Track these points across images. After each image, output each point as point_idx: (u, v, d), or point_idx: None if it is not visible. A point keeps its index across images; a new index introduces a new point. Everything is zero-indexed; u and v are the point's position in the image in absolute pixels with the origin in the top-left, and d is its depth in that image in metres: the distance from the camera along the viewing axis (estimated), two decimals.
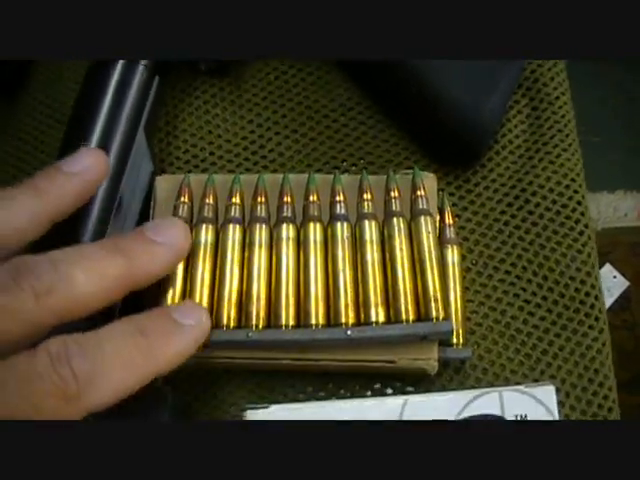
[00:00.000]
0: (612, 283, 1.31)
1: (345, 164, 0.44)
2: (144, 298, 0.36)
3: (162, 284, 0.35)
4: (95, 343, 0.27)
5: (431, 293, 0.34)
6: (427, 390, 0.38)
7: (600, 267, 0.42)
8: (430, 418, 0.32)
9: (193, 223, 0.37)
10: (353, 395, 0.38)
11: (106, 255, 0.30)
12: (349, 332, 0.34)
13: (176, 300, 0.35)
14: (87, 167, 0.33)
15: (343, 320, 0.34)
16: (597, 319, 0.40)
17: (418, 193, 0.37)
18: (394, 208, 0.36)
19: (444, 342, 0.36)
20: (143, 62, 0.40)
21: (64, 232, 0.34)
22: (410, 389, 0.38)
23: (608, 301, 1.29)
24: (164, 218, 0.37)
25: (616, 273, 1.32)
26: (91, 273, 0.29)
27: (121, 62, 0.39)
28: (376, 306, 0.34)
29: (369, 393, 0.38)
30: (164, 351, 0.30)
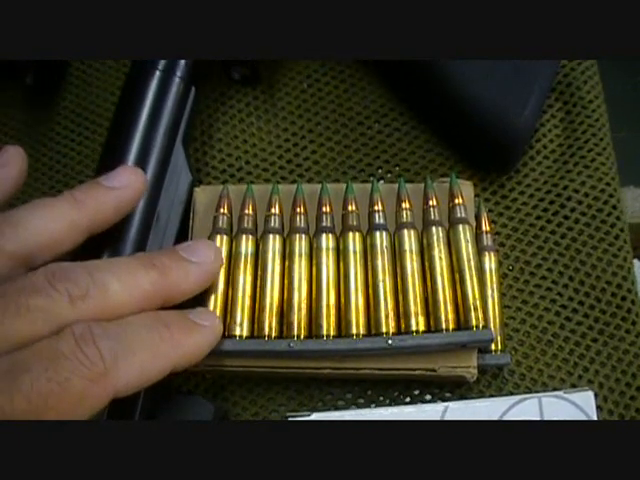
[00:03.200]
0: None
1: (380, 171, 0.44)
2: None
3: (205, 295, 0.36)
4: (119, 328, 0.28)
5: (471, 302, 0.35)
6: (465, 396, 0.38)
7: None
8: None
9: (233, 234, 0.37)
10: (392, 402, 0.39)
11: (141, 268, 0.31)
12: (390, 341, 0.34)
13: (218, 310, 0.36)
14: (126, 184, 0.34)
15: (384, 329, 0.35)
16: (634, 323, 0.40)
17: (456, 201, 0.37)
18: (432, 217, 0.37)
19: (482, 349, 0.36)
20: (179, 74, 0.40)
21: (105, 245, 0.35)
22: (448, 395, 0.39)
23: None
24: (198, 239, 0.37)
25: None
26: (126, 283, 0.29)
27: (157, 74, 0.40)
28: (416, 315, 0.35)
29: (408, 399, 0.39)
30: (185, 342, 0.30)
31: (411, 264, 0.36)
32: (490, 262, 0.38)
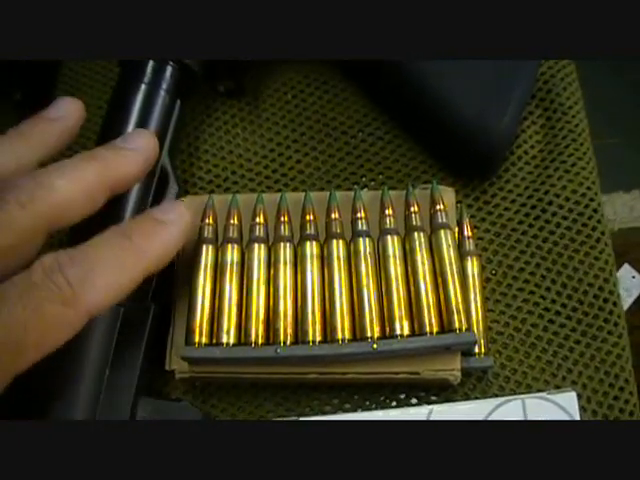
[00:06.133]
0: (631, 283, 1.31)
1: (364, 179, 0.45)
2: (174, 317, 0.38)
3: (190, 305, 0.36)
4: (84, 251, 0.30)
5: (453, 305, 0.35)
6: (450, 399, 0.39)
7: (618, 267, 0.43)
8: None
9: (219, 243, 0.38)
10: (378, 406, 0.39)
11: (82, 162, 0.32)
12: (375, 346, 0.35)
13: (205, 319, 0.36)
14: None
15: (369, 334, 0.35)
16: (616, 324, 0.40)
17: (437, 207, 0.38)
18: (414, 223, 0.37)
19: (466, 352, 0.37)
20: (164, 87, 0.41)
21: None
22: (434, 398, 0.39)
23: (627, 301, 1.29)
24: (133, 130, 0.39)
25: (635, 273, 1.31)
26: (69, 178, 0.31)
27: (143, 88, 0.40)
28: (400, 319, 0.35)
29: (394, 403, 0.39)
30: (150, 247, 0.31)
31: (394, 269, 0.36)
32: (473, 267, 0.39)
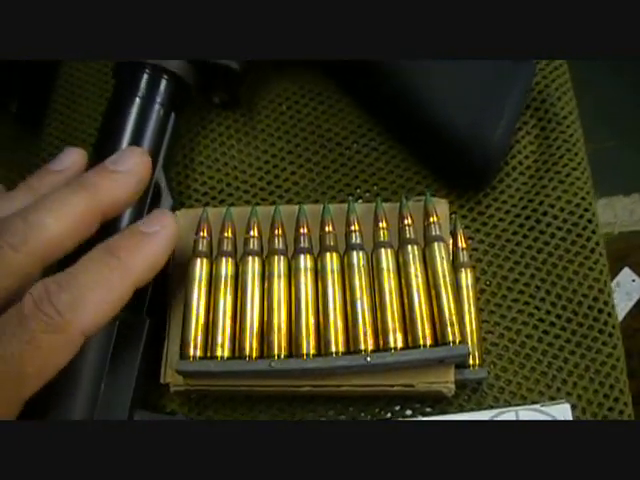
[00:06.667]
0: (631, 287, 1.31)
1: (359, 190, 0.45)
2: (169, 330, 0.38)
3: (185, 318, 0.37)
4: (71, 276, 0.30)
5: (447, 317, 0.35)
6: (445, 410, 0.39)
7: (618, 271, 0.43)
8: None
9: (213, 257, 0.38)
10: (373, 418, 0.39)
11: (71, 194, 0.32)
12: (369, 359, 0.35)
13: (199, 332, 0.36)
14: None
15: (362, 347, 0.35)
16: (611, 335, 0.40)
17: (431, 220, 0.38)
18: (408, 236, 0.37)
19: (461, 364, 0.37)
20: (159, 100, 0.41)
21: None
22: (429, 410, 0.39)
23: (628, 305, 1.29)
24: (124, 149, 0.38)
25: (635, 277, 1.31)
26: (59, 214, 0.31)
27: (138, 101, 0.40)
28: (394, 332, 0.35)
29: (389, 415, 0.39)
30: (136, 262, 0.32)
31: (388, 282, 0.36)
32: (467, 278, 0.39)
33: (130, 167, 0.35)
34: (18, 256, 0.30)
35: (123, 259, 0.31)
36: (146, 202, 0.39)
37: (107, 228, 0.35)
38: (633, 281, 1.32)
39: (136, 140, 0.40)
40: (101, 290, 0.30)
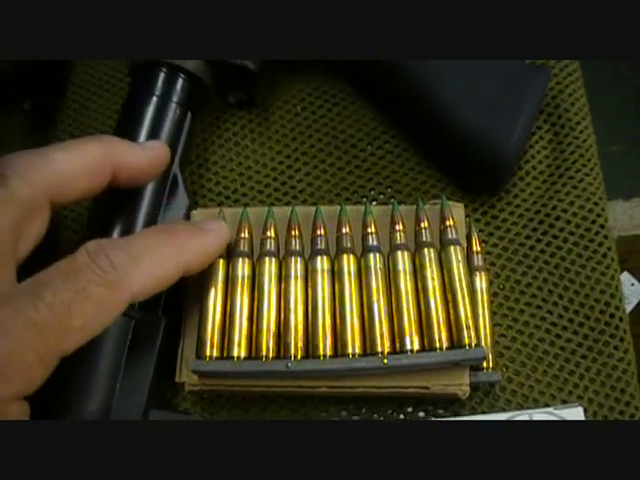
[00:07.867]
0: (630, 291, 1.31)
1: (373, 192, 0.45)
2: (185, 329, 0.38)
3: (201, 318, 0.37)
4: (129, 239, 0.31)
5: (463, 321, 0.35)
6: (458, 412, 0.39)
7: None
8: None
9: (230, 257, 0.38)
10: (386, 419, 0.39)
11: (86, 140, 0.34)
12: (385, 361, 0.35)
13: (216, 333, 0.36)
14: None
15: (379, 349, 0.35)
16: (622, 340, 0.41)
17: (447, 223, 0.38)
18: (424, 239, 0.38)
19: (474, 366, 0.37)
20: (175, 99, 0.41)
21: None
22: (441, 412, 0.39)
23: (627, 309, 1.29)
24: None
25: (634, 281, 1.32)
26: (70, 152, 0.33)
27: (154, 100, 0.40)
28: (411, 335, 0.35)
29: (402, 416, 0.39)
30: (190, 246, 0.33)
31: (405, 284, 0.36)
32: (481, 282, 0.39)
33: (150, 146, 0.37)
34: (22, 184, 0.30)
35: (179, 239, 0.33)
36: (162, 201, 0.39)
37: (127, 214, 0.35)
38: (632, 285, 1.33)
39: (153, 138, 0.40)
40: (155, 258, 0.31)
